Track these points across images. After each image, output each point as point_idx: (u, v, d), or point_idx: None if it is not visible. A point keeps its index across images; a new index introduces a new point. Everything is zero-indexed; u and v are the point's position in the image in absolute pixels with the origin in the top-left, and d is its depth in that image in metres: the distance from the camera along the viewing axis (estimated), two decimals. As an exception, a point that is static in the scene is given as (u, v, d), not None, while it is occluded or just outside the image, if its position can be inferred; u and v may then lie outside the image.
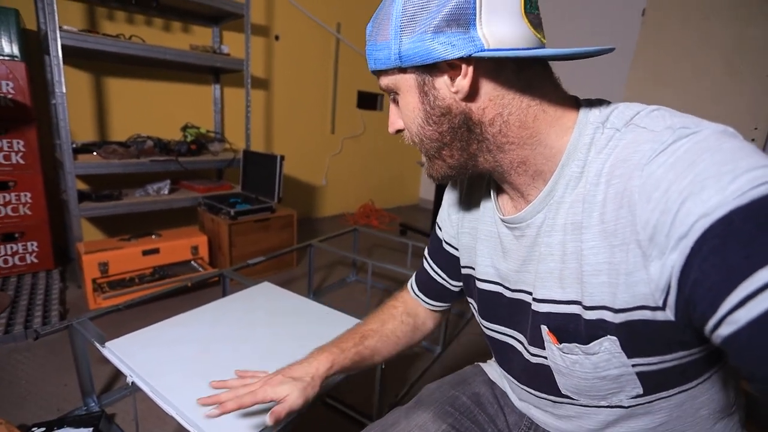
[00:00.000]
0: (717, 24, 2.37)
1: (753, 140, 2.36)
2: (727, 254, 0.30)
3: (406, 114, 0.48)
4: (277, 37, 2.92)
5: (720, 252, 0.30)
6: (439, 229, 0.67)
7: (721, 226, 0.30)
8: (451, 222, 0.63)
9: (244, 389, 0.59)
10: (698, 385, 0.44)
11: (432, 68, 0.43)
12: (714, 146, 0.33)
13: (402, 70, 0.45)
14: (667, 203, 0.33)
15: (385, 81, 0.47)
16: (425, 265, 0.71)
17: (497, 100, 0.43)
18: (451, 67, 0.42)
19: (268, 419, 0.55)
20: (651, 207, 0.35)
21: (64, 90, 1.71)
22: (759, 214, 0.29)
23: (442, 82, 0.43)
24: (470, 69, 0.41)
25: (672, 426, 0.47)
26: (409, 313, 0.72)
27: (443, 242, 0.66)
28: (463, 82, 0.42)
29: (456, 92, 0.43)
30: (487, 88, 0.43)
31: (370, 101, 3.74)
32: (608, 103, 0.45)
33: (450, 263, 0.66)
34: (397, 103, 0.49)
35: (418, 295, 0.72)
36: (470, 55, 0.40)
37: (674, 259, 0.33)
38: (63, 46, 1.67)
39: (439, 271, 0.68)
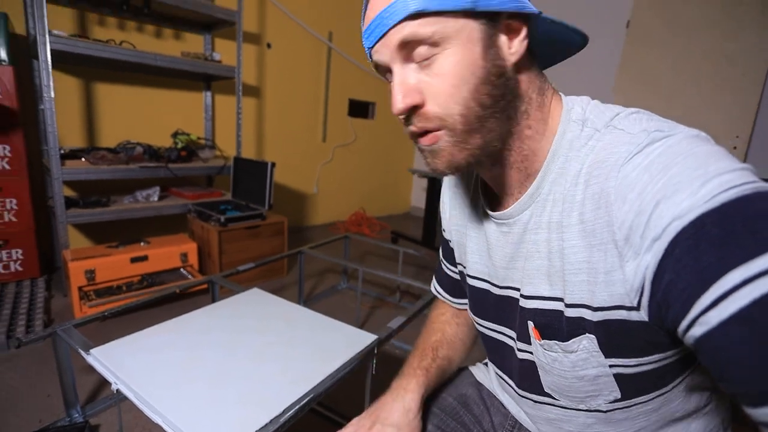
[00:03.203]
0: (698, 38, 2.44)
1: (735, 148, 2.42)
2: (699, 256, 0.31)
3: (454, 74, 0.39)
4: (269, 45, 2.94)
5: (692, 254, 0.31)
6: (444, 230, 0.67)
7: (693, 229, 0.31)
8: (446, 222, 0.64)
9: None
10: (673, 389, 0.44)
11: (496, 21, 0.40)
12: (686, 150, 0.34)
13: (472, 15, 0.39)
14: (641, 205, 0.34)
15: (429, 31, 0.38)
16: (442, 265, 0.71)
17: (530, 74, 0.43)
18: (507, 26, 0.41)
19: None
20: (626, 208, 0.35)
21: (52, 95, 1.69)
22: (728, 217, 0.30)
23: (501, 40, 0.41)
24: (527, 31, 0.41)
25: (650, 430, 0.47)
26: (456, 314, 0.71)
27: (449, 242, 0.66)
28: (523, 43, 0.41)
29: (513, 53, 0.41)
30: (526, 59, 0.42)
31: (361, 109, 3.76)
32: (589, 99, 0.46)
33: None
34: (425, 62, 0.40)
35: (444, 297, 0.71)
36: (539, 14, 0.39)
37: (648, 260, 0.34)
38: (52, 51, 1.66)
39: (454, 268, 0.67)
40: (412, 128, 0.43)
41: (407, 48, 0.40)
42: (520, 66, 0.42)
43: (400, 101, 0.41)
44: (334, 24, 3.25)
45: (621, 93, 2.75)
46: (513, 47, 0.41)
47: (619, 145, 0.38)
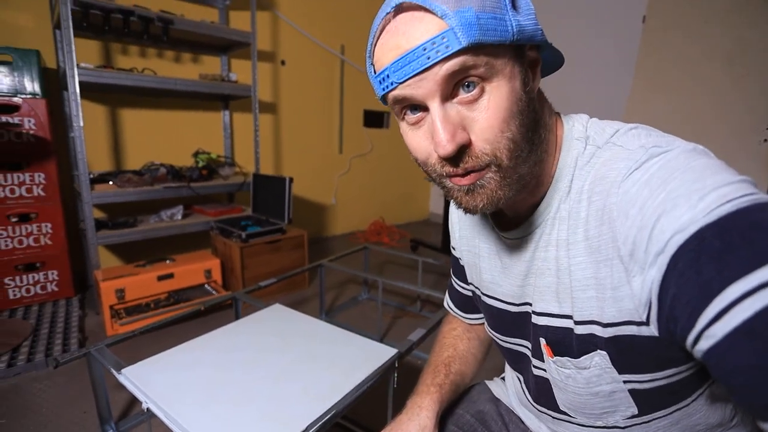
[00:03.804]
0: (719, 28, 2.37)
1: (765, 140, 2.32)
2: (700, 270, 0.31)
3: (503, 108, 0.38)
4: (283, 62, 3.01)
5: (694, 267, 0.31)
6: (453, 248, 0.68)
7: (694, 242, 0.31)
8: (455, 241, 0.65)
9: None
10: (692, 402, 0.44)
11: (524, 52, 0.40)
12: (683, 165, 0.34)
13: (516, 49, 0.38)
14: (643, 220, 0.34)
15: (482, 62, 0.36)
16: (452, 282, 0.71)
17: (541, 99, 0.44)
18: (529, 58, 0.41)
19: None
20: (629, 224, 0.36)
21: (81, 124, 1.78)
22: (726, 230, 0.30)
23: (528, 71, 0.41)
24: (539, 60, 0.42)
25: None
26: (467, 329, 0.71)
27: (459, 260, 0.67)
28: (538, 72, 0.42)
29: (535, 83, 0.42)
30: (537, 84, 0.43)
31: (376, 120, 3.79)
32: (587, 117, 0.46)
33: None
34: (468, 96, 0.38)
35: (456, 312, 0.72)
36: (550, 44, 0.42)
37: (653, 275, 0.34)
38: (80, 83, 1.76)
39: (465, 285, 0.68)
40: (454, 169, 0.39)
41: (453, 81, 0.37)
42: (539, 94, 0.44)
43: (448, 141, 0.37)
44: (346, 37, 3.31)
45: (639, 90, 2.69)
46: (535, 77, 0.42)
47: (618, 161, 0.39)
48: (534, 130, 0.41)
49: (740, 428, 0.49)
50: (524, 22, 0.37)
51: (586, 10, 2.93)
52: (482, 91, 0.37)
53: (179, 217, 2.24)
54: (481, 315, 0.68)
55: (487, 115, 0.38)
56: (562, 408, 0.49)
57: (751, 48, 2.30)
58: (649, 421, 0.44)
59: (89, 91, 2.14)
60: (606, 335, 0.40)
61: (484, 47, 0.36)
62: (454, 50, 0.35)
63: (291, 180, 2.20)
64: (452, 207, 0.64)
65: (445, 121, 0.37)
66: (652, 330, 0.37)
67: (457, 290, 0.70)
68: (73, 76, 1.73)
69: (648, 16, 2.63)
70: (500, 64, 0.37)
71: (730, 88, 2.39)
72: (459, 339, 0.69)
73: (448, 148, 0.37)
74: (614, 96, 2.82)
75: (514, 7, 0.38)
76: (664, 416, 0.44)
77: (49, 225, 1.93)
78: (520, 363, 0.56)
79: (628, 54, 2.72)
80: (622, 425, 0.45)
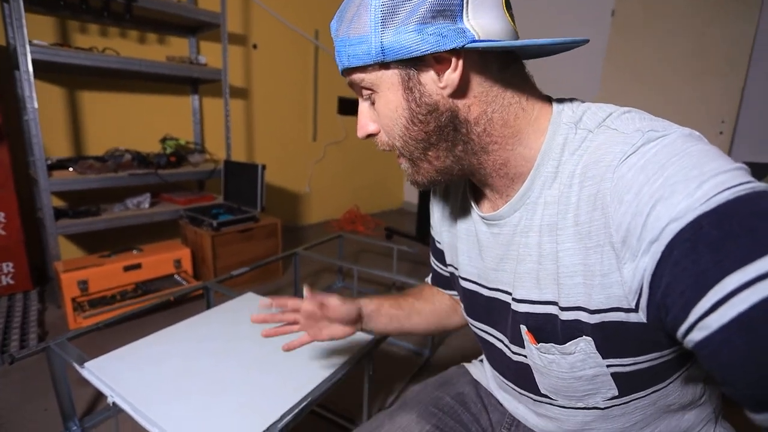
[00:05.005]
0: (682, 25, 2.46)
1: (721, 133, 2.44)
2: (697, 259, 0.30)
3: (386, 114, 0.45)
4: (254, 46, 2.91)
5: (690, 257, 0.31)
6: (432, 230, 0.67)
7: (690, 231, 0.31)
8: (435, 222, 0.65)
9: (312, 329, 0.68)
10: (670, 383, 0.45)
11: (417, 62, 0.41)
12: (681, 150, 0.34)
13: (384, 65, 0.42)
14: (638, 206, 0.34)
15: (360, 78, 0.44)
16: (432, 264, 0.72)
17: (482, 96, 0.42)
18: (437, 60, 0.40)
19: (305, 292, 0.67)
20: (623, 210, 0.35)
21: (36, 105, 1.67)
22: (725, 219, 0.30)
23: (428, 77, 0.41)
24: (460, 62, 0.40)
25: (646, 423, 0.48)
26: (454, 305, 0.73)
27: (436, 242, 0.67)
28: (453, 75, 0.40)
29: (444, 87, 0.41)
30: (473, 83, 0.42)
31: (351, 107, 3.74)
32: (580, 102, 0.45)
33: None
34: (373, 103, 0.46)
35: (440, 289, 0.73)
36: (463, 46, 0.38)
37: (646, 263, 0.34)
38: (33, 61, 1.64)
39: (443, 267, 0.68)
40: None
41: (355, 88, 0.46)
42: (465, 92, 0.42)
43: (359, 129, 0.49)
44: (321, 22, 3.23)
45: (608, 82, 2.76)
46: (443, 81, 0.41)
47: (613, 145, 0.37)
48: (438, 133, 0.43)
49: (707, 404, 0.51)
50: (397, 38, 0.39)
51: (557, 3, 2.96)
52: (373, 97, 0.45)
53: (146, 205, 2.15)
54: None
55: (379, 117, 0.46)
56: (542, 391, 0.50)
57: (715, 44, 2.39)
58: (628, 402, 0.45)
59: (44, 71, 2.01)
60: (592, 321, 0.40)
61: (355, 68, 0.43)
62: (340, 69, 0.46)
63: (264, 167, 2.14)
64: (432, 189, 0.64)
65: (360, 114, 0.48)
66: (640, 317, 0.37)
67: (438, 272, 0.70)
68: (25, 54, 1.61)
69: (617, 10, 2.69)
70: (375, 79, 0.43)
71: (693, 84, 2.49)
72: (429, 289, 0.74)
73: (359, 134, 0.49)
74: (585, 87, 2.88)
75: (385, 24, 0.39)
76: (642, 397, 0.45)
77: (3, 214, 1.81)
78: (491, 352, 0.57)
79: (599, 46, 2.78)
80: (602, 406, 0.46)
